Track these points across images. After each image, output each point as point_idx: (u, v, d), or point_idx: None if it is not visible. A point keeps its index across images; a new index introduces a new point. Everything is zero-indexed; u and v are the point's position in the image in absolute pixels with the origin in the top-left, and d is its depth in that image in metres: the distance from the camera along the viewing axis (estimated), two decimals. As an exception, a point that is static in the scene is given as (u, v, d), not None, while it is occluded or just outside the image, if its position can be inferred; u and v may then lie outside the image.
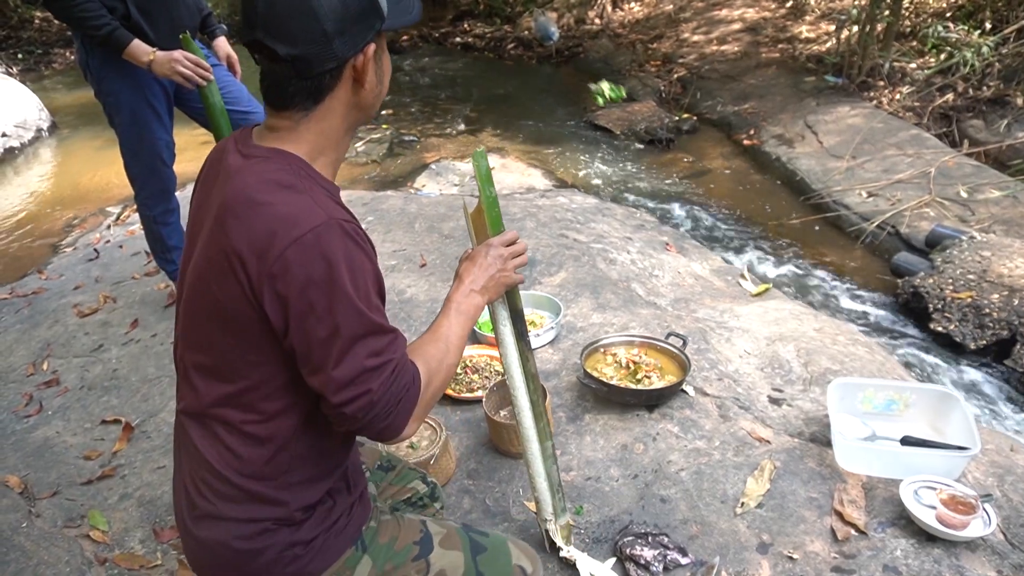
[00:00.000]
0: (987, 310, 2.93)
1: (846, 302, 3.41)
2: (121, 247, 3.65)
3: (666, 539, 1.66)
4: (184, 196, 4.16)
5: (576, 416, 2.11)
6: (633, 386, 2.11)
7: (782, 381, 2.24)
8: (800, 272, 3.68)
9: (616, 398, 2.10)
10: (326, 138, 1.03)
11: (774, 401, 2.14)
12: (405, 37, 9.10)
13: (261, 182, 0.96)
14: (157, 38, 2.36)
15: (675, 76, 6.57)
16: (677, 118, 5.73)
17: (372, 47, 0.99)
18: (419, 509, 1.52)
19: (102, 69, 2.40)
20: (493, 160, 5.10)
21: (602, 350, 2.27)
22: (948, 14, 5.79)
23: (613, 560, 1.64)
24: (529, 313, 2.54)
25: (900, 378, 2.31)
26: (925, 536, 1.63)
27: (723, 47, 6.79)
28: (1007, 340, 2.85)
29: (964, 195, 3.90)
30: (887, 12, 5.38)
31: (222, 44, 2.72)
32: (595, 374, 2.13)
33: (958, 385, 2.81)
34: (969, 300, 2.99)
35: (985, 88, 4.93)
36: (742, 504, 1.76)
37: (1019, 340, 2.81)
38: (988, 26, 5.39)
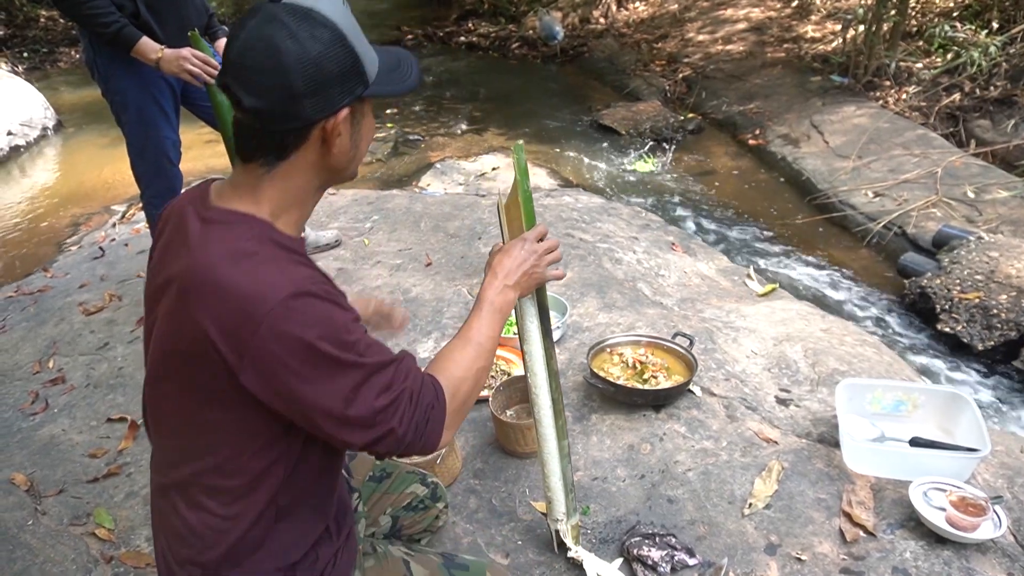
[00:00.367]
0: (995, 311, 2.91)
1: (852, 302, 3.40)
2: (126, 245, 3.65)
3: (673, 540, 1.65)
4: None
5: (582, 416, 2.11)
6: (640, 386, 2.10)
7: (789, 381, 2.23)
8: (806, 272, 3.67)
9: (623, 398, 2.09)
10: (290, 197, 0.98)
11: (781, 402, 2.13)
12: (410, 36, 9.10)
13: (222, 256, 0.91)
14: (165, 36, 2.36)
15: (680, 76, 6.55)
16: (682, 118, 5.72)
17: (345, 112, 0.94)
18: (421, 512, 1.51)
19: (109, 67, 2.40)
20: (497, 160, 5.10)
21: (608, 350, 2.26)
22: (955, 14, 5.77)
23: (620, 560, 1.63)
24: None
25: (908, 379, 2.30)
26: (935, 538, 1.62)
27: (728, 47, 6.77)
28: (1015, 341, 2.83)
29: (971, 195, 3.89)
30: (893, 12, 5.36)
31: (223, 46, 2.72)
32: (602, 374, 2.12)
33: (966, 386, 2.79)
34: (977, 301, 2.98)
35: (992, 88, 4.91)
36: (750, 505, 1.76)
37: (1027, 341, 2.79)
38: (995, 26, 5.37)
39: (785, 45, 6.47)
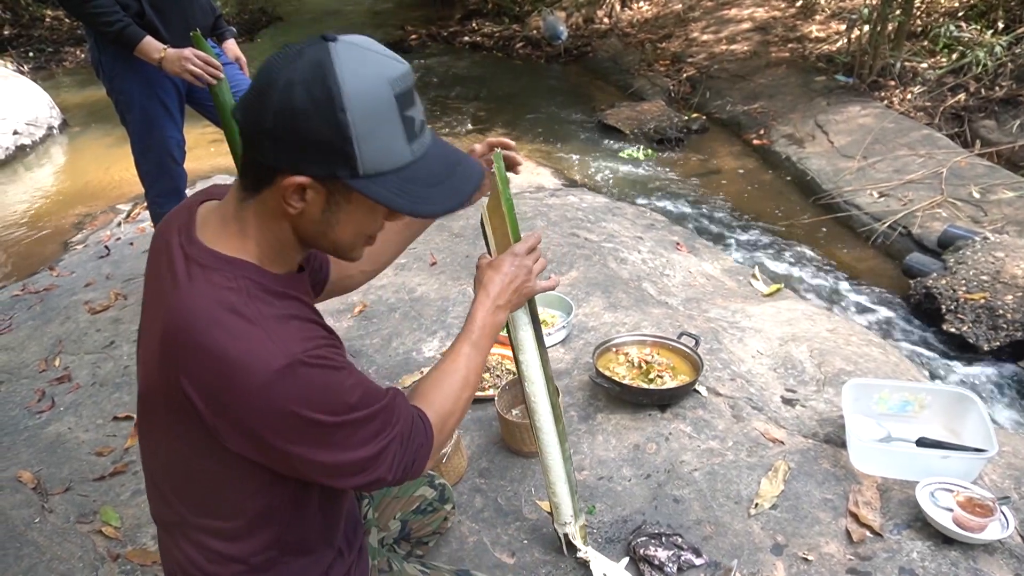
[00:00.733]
0: (1001, 311, 2.90)
1: (858, 303, 3.39)
2: (131, 244, 3.66)
3: (680, 539, 1.65)
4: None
5: (588, 416, 2.11)
6: (645, 386, 2.10)
7: (795, 382, 2.23)
8: (811, 272, 3.66)
9: (628, 398, 2.09)
10: (272, 237, 0.92)
11: (787, 402, 2.12)
12: (414, 36, 9.11)
13: (205, 308, 0.86)
14: (170, 36, 2.36)
15: (684, 75, 6.55)
16: (686, 118, 5.71)
17: (303, 179, 0.85)
18: (430, 514, 1.51)
19: (114, 66, 2.41)
20: (502, 159, 5.08)
21: (614, 349, 2.26)
22: (960, 13, 5.75)
23: (626, 560, 1.63)
24: (540, 312, 2.53)
25: (915, 379, 2.29)
26: (942, 538, 1.61)
27: (732, 46, 6.76)
28: (1021, 341, 2.82)
29: (976, 195, 3.88)
30: (898, 11, 5.35)
31: (231, 46, 2.73)
32: (607, 373, 2.12)
33: (972, 387, 2.78)
34: (982, 301, 2.97)
35: (997, 88, 4.90)
36: (756, 505, 1.75)
37: (1033, 342, 2.79)
38: (1000, 25, 5.36)
39: (789, 45, 6.45)
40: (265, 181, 0.88)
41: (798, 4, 7.07)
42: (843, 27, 6.05)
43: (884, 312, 3.31)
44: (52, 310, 3.08)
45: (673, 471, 1.88)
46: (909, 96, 5.16)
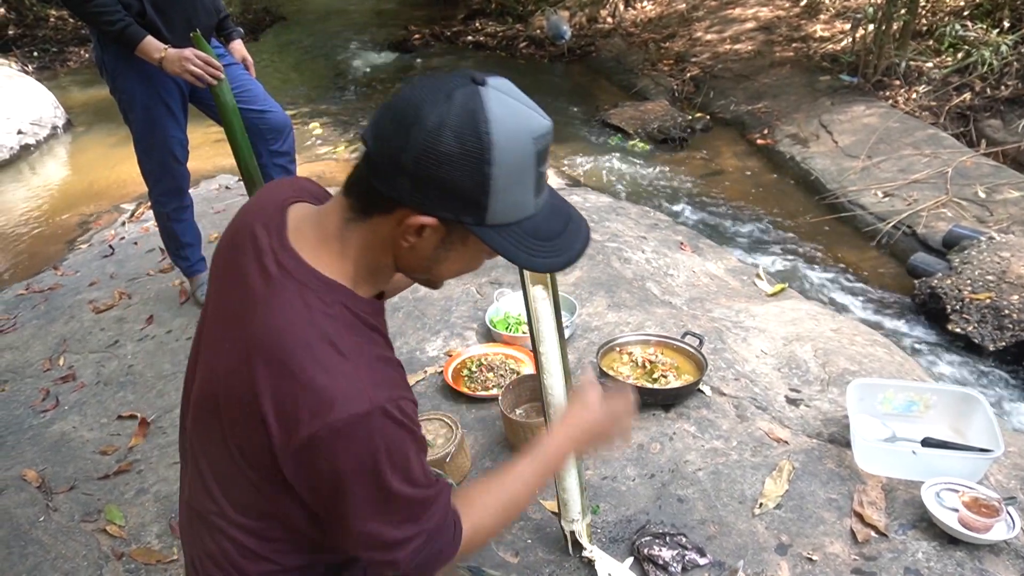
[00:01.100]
0: (1006, 311, 2.89)
1: (862, 303, 3.38)
2: (136, 244, 3.67)
3: (684, 539, 1.64)
4: (198, 193, 4.21)
5: (592, 415, 2.10)
6: (649, 385, 2.10)
7: (800, 381, 2.22)
8: (816, 272, 3.66)
9: (632, 397, 2.08)
10: (370, 260, 0.91)
11: (792, 401, 2.12)
12: (417, 36, 9.11)
13: (300, 333, 0.85)
14: (172, 36, 2.36)
15: (688, 75, 6.53)
16: (690, 117, 5.70)
17: (431, 220, 0.84)
18: None
19: (117, 66, 2.41)
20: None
21: (618, 349, 2.25)
22: (965, 12, 5.73)
23: (631, 560, 1.63)
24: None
25: (920, 379, 2.28)
26: (947, 539, 1.61)
27: (736, 46, 6.75)
28: (1027, 342, 2.82)
29: (982, 195, 3.86)
30: (903, 10, 5.33)
31: (238, 47, 2.73)
32: (611, 373, 2.12)
33: (977, 387, 2.77)
34: (988, 301, 2.96)
35: (1003, 87, 4.88)
36: (760, 505, 1.75)
37: (1039, 342, 2.77)
38: (1006, 24, 5.33)
39: (794, 44, 6.44)
40: (381, 209, 0.86)
41: (802, 3, 7.05)
42: (847, 26, 6.03)
43: (889, 312, 3.30)
44: (56, 309, 3.09)
45: (677, 471, 1.88)
46: (914, 95, 5.14)
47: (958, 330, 2.95)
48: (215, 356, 0.96)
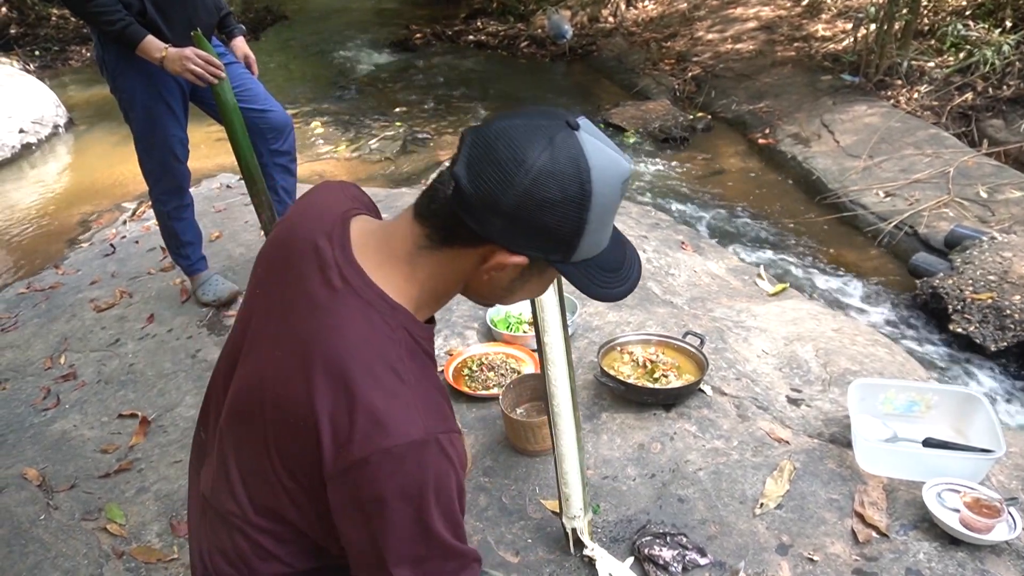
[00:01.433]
0: (1008, 311, 2.89)
1: (863, 303, 3.38)
2: (137, 242, 3.67)
3: (684, 539, 1.64)
4: (199, 192, 4.21)
5: (593, 415, 2.10)
6: (650, 385, 2.09)
7: (801, 381, 2.22)
8: (817, 272, 3.65)
9: (633, 397, 2.08)
10: (438, 285, 0.91)
11: (793, 401, 2.12)
12: (418, 35, 9.10)
13: (364, 356, 0.85)
14: (172, 35, 2.36)
15: (689, 75, 6.53)
16: (691, 117, 5.70)
17: (522, 259, 0.86)
18: None
19: (117, 65, 2.41)
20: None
21: (619, 348, 2.25)
22: (967, 12, 5.73)
23: (631, 560, 1.63)
24: (545, 311, 2.52)
25: (921, 379, 2.28)
26: (948, 539, 1.61)
27: (738, 45, 6.74)
28: (1029, 342, 2.81)
29: (984, 195, 3.86)
30: (905, 10, 5.32)
31: (240, 44, 2.73)
32: (612, 372, 2.12)
33: (978, 387, 2.77)
34: (989, 301, 2.96)
35: (1005, 87, 4.87)
36: (761, 505, 1.75)
37: (1041, 342, 2.77)
38: (1008, 24, 5.33)
39: (795, 44, 6.43)
40: (461, 241, 0.87)
41: (804, 3, 7.04)
42: (849, 26, 6.03)
43: (890, 312, 3.30)
44: (57, 308, 3.09)
45: (678, 470, 1.87)
46: (916, 95, 5.13)
47: (960, 330, 2.95)
48: (264, 359, 0.95)
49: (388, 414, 0.82)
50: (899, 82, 5.30)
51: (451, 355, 2.40)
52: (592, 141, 0.84)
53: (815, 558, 1.60)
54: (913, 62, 5.35)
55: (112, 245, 3.69)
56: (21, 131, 5.69)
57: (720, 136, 5.58)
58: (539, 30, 8.51)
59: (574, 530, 1.60)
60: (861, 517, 1.68)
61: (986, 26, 5.38)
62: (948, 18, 5.71)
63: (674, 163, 5.10)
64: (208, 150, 5.05)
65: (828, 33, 6.44)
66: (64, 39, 9.07)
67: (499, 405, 2.00)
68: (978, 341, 2.89)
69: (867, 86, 5.36)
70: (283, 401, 0.89)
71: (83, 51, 8.75)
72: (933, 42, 5.57)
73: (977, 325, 2.93)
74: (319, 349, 0.86)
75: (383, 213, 1.10)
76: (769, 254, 3.84)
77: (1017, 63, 4.90)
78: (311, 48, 9.01)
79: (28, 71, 7.54)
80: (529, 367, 2.28)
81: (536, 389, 2.11)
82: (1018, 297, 2.92)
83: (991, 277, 3.06)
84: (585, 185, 0.81)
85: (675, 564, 1.58)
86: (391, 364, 0.86)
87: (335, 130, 5.92)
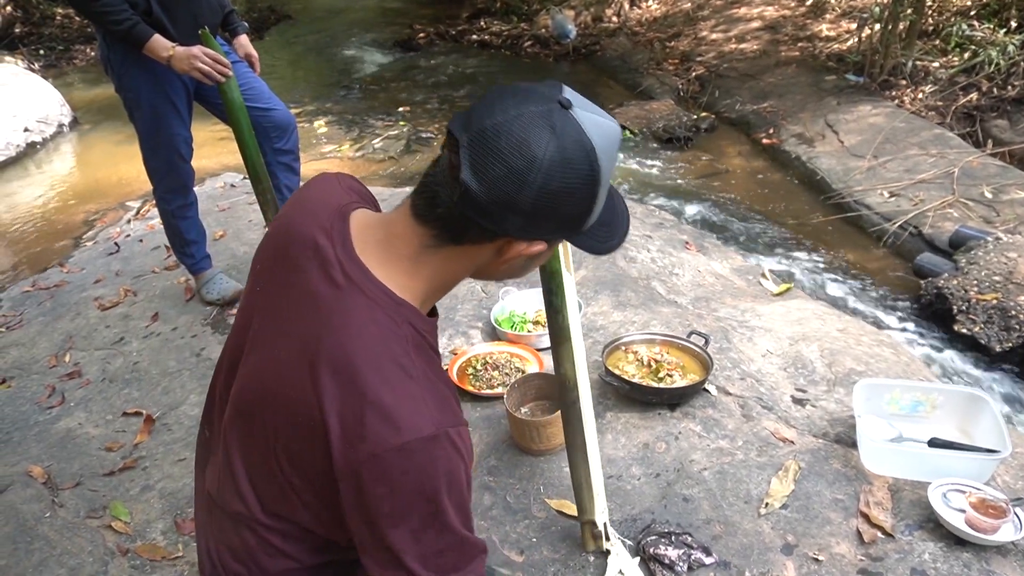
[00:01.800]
0: (1013, 312, 2.88)
1: (868, 303, 3.38)
2: (141, 241, 3.68)
3: (690, 539, 1.64)
4: (203, 190, 4.22)
5: (597, 414, 2.09)
6: (655, 384, 2.09)
7: (806, 381, 2.21)
8: (821, 272, 3.65)
9: (638, 396, 2.08)
10: (444, 279, 0.92)
11: (798, 401, 2.11)
12: (422, 35, 9.11)
13: (370, 353, 0.84)
14: (178, 34, 2.36)
15: (693, 74, 6.52)
16: (695, 117, 5.69)
17: (540, 247, 0.87)
18: None
19: (123, 64, 2.41)
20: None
21: (623, 348, 2.25)
22: (972, 12, 5.71)
23: (637, 559, 1.63)
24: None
25: (926, 379, 2.27)
26: (954, 540, 1.60)
27: (742, 45, 6.74)
28: (1034, 342, 2.80)
29: (988, 196, 3.85)
30: (910, 10, 5.31)
31: (243, 42, 2.73)
32: (616, 372, 2.11)
33: (983, 388, 2.76)
34: (994, 302, 2.95)
35: (1010, 87, 4.86)
36: (766, 504, 1.74)
37: (1046, 343, 2.76)
38: (1013, 24, 5.31)
39: (800, 44, 6.42)
40: (474, 239, 0.86)
41: (808, 3, 7.03)
42: (854, 26, 6.02)
43: (895, 312, 3.29)
44: (62, 306, 3.09)
45: (683, 470, 1.87)
46: (920, 95, 5.12)
47: (964, 331, 2.94)
48: (267, 358, 0.94)
49: (398, 410, 0.82)
50: (903, 82, 5.29)
51: (455, 354, 2.40)
52: (586, 116, 0.83)
53: (820, 558, 1.60)
54: (918, 62, 5.34)
55: (116, 244, 3.70)
56: (26, 130, 5.70)
57: (724, 136, 5.57)
58: (543, 30, 8.51)
59: (593, 523, 1.59)
60: (866, 517, 1.68)
61: (991, 26, 5.36)
62: (953, 18, 5.70)
63: (678, 163, 5.09)
64: (212, 149, 5.06)
65: (832, 33, 6.43)
66: (69, 38, 9.10)
67: (504, 404, 2.00)
68: (983, 342, 2.88)
69: (871, 86, 5.35)
70: (289, 400, 0.88)
71: (88, 50, 8.77)
72: (938, 42, 5.55)
73: (982, 326, 2.92)
74: (325, 347, 0.86)
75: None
76: (773, 254, 3.83)
77: (1022, 63, 4.89)
78: (315, 47, 9.03)
79: (33, 70, 7.55)
80: (533, 366, 2.28)
81: (541, 388, 2.11)
82: (1023, 297, 2.91)
83: (996, 277, 3.05)
84: (593, 164, 0.82)
85: (680, 563, 1.58)
86: (398, 360, 0.85)
87: (339, 129, 5.92)
